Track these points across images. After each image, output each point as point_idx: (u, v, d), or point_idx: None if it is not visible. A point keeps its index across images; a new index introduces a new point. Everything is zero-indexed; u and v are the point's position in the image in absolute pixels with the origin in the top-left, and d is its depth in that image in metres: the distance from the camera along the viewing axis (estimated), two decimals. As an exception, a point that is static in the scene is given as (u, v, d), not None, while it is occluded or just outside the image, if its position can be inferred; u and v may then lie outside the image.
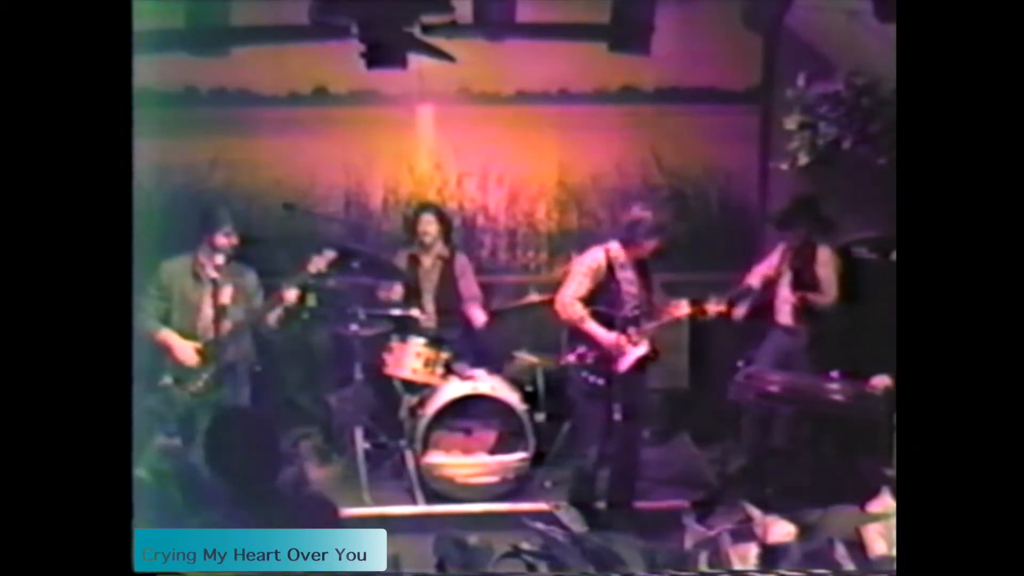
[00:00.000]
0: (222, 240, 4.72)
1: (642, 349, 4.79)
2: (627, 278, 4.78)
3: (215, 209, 4.87)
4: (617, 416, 4.72)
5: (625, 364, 4.75)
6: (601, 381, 4.77)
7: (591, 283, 4.77)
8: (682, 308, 4.81)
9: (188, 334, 4.75)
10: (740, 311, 5.44)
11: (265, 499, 2.75)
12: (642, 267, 4.81)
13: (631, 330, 4.75)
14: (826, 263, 5.31)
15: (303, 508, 2.86)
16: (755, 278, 5.49)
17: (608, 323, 4.74)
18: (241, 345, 4.85)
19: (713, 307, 4.84)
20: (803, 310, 5.28)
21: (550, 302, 4.94)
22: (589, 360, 4.77)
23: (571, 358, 4.83)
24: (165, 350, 4.71)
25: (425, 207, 5.86)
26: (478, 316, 5.70)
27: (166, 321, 4.77)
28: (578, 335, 4.78)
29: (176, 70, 5.83)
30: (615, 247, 4.82)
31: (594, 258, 4.82)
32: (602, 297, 4.77)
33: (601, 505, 4.87)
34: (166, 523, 2.79)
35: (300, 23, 5.30)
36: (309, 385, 6.14)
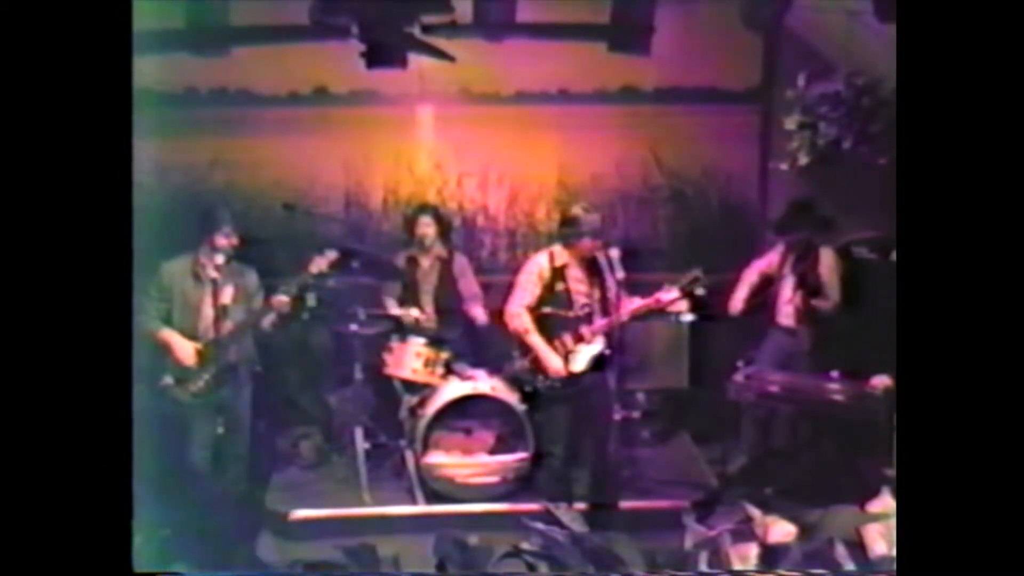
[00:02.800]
0: (222, 240, 4.71)
1: (596, 347, 4.81)
2: (576, 277, 4.84)
3: (215, 209, 4.86)
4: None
5: (579, 364, 4.78)
6: (556, 383, 4.82)
7: (539, 288, 4.84)
8: (635, 302, 4.82)
9: (189, 334, 4.75)
10: (738, 305, 5.44)
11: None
12: (592, 266, 4.83)
13: (584, 329, 4.79)
14: (829, 266, 5.31)
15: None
16: (753, 274, 5.50)
17: (560, 324, 4.81)
18: (242, 345, 4.85)
19: (665, 295, 4.83)
20: (805, 312, 5.27)
21: (499, 313, 5.01)
22: (540, 364, 4.83)
23: (519, 365, 4.89)
24: (166, 350, 4.71)
25: (422, 209, 5.85)
26: (479, 315, 5.69)
27: (167, 322, 4.77)
28: (526, 345, 4.87)
29: (176, 70, 5.84)
30: (558, 249, 4.89)
31: (537, 263, 4.91)
32: (553, 299, 4.83)
33: (584, 506, 4.87)
34: (166, 523, 2.79)
35: (300, 23, 5.29)
36: (309, 385, 6.14)
